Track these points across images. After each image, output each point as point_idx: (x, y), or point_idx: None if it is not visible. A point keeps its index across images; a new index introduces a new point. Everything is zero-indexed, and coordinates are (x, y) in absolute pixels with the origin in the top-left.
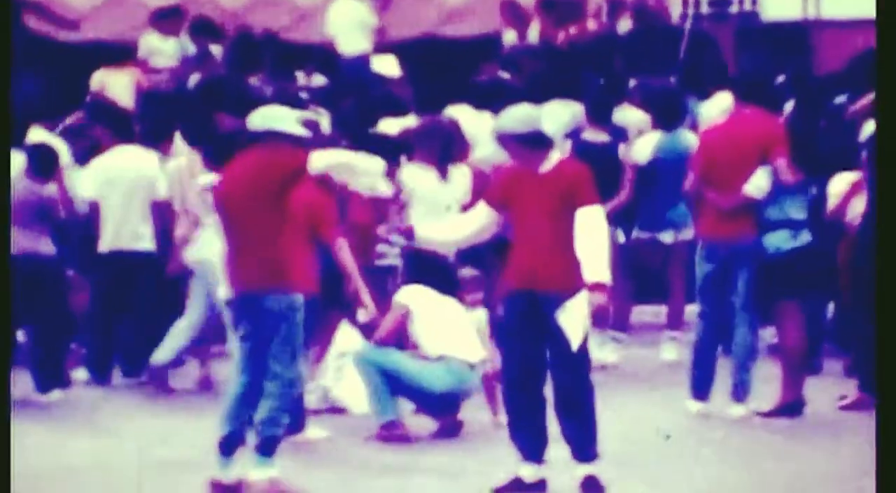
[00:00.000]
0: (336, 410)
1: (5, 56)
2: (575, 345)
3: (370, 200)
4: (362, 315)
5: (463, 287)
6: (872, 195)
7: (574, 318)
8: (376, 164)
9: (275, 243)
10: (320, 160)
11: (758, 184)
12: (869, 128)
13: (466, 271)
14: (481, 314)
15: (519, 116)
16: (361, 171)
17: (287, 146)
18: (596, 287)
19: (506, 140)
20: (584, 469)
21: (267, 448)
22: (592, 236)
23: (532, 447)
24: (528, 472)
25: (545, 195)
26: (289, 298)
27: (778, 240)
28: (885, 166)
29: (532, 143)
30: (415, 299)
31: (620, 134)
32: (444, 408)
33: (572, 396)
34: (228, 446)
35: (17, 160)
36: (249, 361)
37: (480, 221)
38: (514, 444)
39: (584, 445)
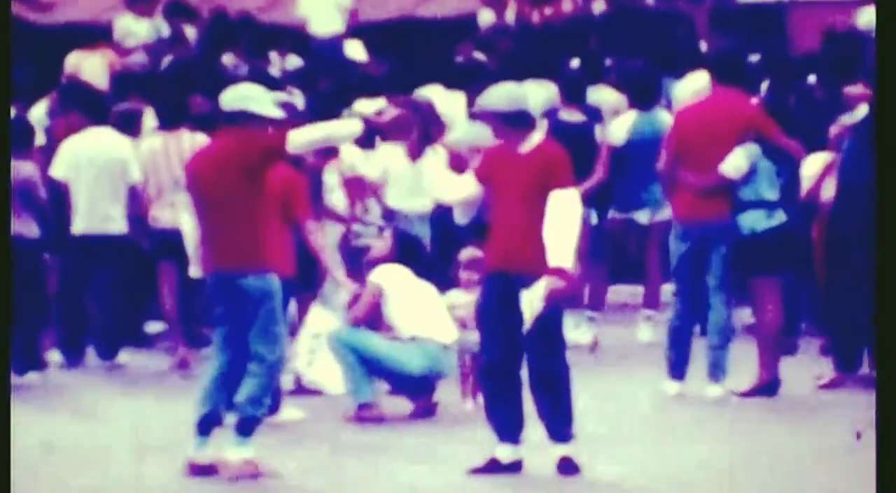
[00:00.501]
0: (310, 391)
1: (5, 55)
2: (525, 326)
3: (348, 181)
4: (343, 295)
5: (461, 268)
6: (846, 177)
7: (529, 299)
8: (355, 125)
9: (250, 224)
10: (300, 138)
11: (735, 164)
12: (860, 112)
13: (466, 252)
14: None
15: (504, 94)
16: (343, 136)
17: (260, 129)
18: (554, 272)
19: (489, 117)
20: (560, 450)
21: (246, 429)
22: (562, 220)
23: (508, 427)
24: (505, 453)
25: (522, 176)
26: (266, 279)
27: (752, 220)
28: (885, 166)
29: (515, 122)
30: (389, 279)
31: (596, 114)
32: (419, 389)
33: (547, 376)
34: (206, 426)
35: None
36: (226, 342)
37: (468, 188)
38: (490, 424)
39: (559, 425)
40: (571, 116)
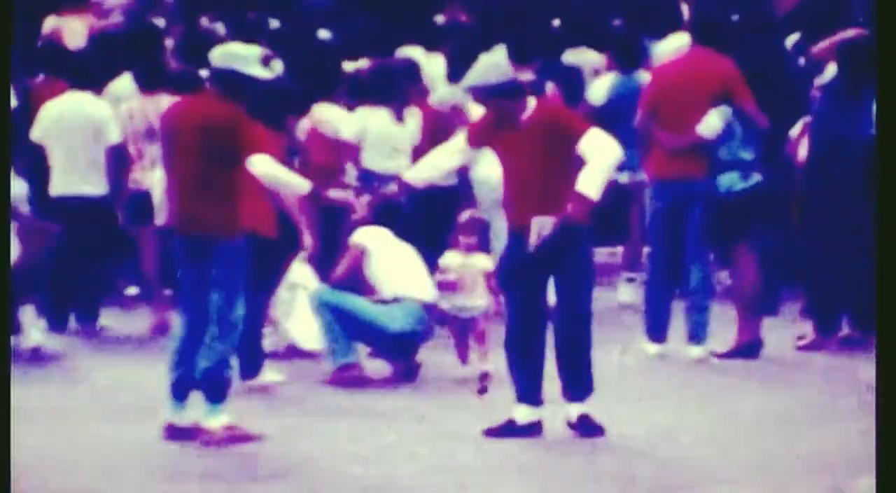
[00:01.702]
0: (293, 353)
1: (5, 54)
2: (537, 233)
3: (330, 143)
4: (301, 255)
5: (459, 231)
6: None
7: (540, 221)
8: (304, 187)
9: (223, 188)
10: (260, 166)
11: (711, 124)
12: (829, 71)
13: (465, 214)
14: (485, 258)
15: (491, 67)
16: (291, 189)
17: (248, 88)
18: (576, 197)
19: (480, 94)
20: (577, 408)
21: (215, 394)
22: (594, 156)
23: (529, 388)
24: (522, 414)
25: (530, 139)
26: (234, 243)
27: (729, 181)
28: (885, 165)
29: (508, 93)
30: (371, 239)
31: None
32: (401, 350)
33: (572, 331)
34: (180, 389)
35: None
36: (190, 302)
37: (459, 158)
38: (513, 385)
39: (581, 381)
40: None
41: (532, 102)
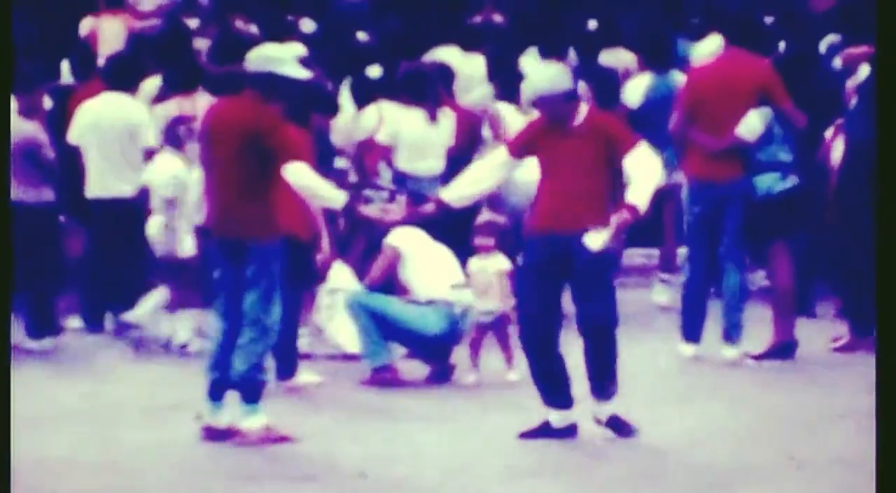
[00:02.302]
0: (327, 355)
1: (6, 53)
2: (592, 247)
3: (359, 145)
4: (318, 258)
5: (476, 233)
6: (852, 140)
7: (594, 236)
8: (340, 199)
9: (259, 191)
10: (293, 174)
11: (751, 126)
12: (863, 72)
13: (482, 216)
14: (502, 260)
15: (553, 76)
16: (324, 201)
17: (286, 89)
18: (625, 207)
19: (544, 102)
20: (604, 408)
21: (251, 395)
22: (640, 172)
23: (554, 393)
24: (557, 417)
25: (579, 148)
26: (270, 245)
27: (768, 182)
28: (885, 166)
29: (567, 100)
30: (405, 241)
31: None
32: (436, 352)
33: (598, 333)
34: (217, 391)
35: None
36: (227, 306)
37: (501, 171)
38: (538, 390)
39: (606, 383)
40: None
41: (583, 109)
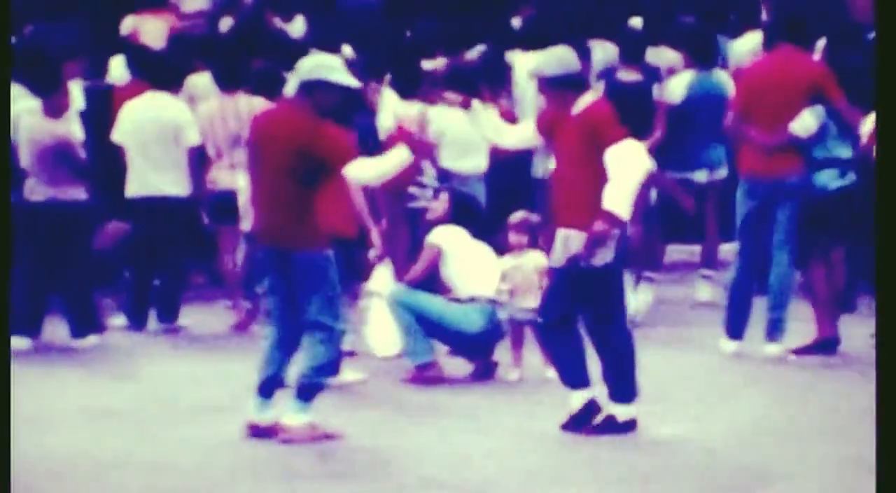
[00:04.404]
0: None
1: (5, 53)
2: (554, 262)
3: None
4: (371, 254)
5: (511, 230)
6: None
7: (565, 235)
8: (404, 155)
9: (304, 198)
10: (359, 173)
11: (805, 123)
12: None
13: (516, 215)
14: (539, 257)
15: (554, 58)
16: (395, 168)
17: (333, 95)
18: (601, 214)
19: (543, 83)
20: (622, 411)
21: (308, 394)
22: (616, 171)
23: (572, 374)
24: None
25: (572, 137)
26: (319, 254)
27: (825, 179)
28: (885, 166)
29: (567, 85)
30: (447, 240)
31: (655, 74)
32: (478, 349)
33: (607, 338)
34: (267, 388)
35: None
36: (282, 312)
37: (526, 135)
38: (556, 369)
39: (620, 387)
40: (629, 75)
41: (585, 99)
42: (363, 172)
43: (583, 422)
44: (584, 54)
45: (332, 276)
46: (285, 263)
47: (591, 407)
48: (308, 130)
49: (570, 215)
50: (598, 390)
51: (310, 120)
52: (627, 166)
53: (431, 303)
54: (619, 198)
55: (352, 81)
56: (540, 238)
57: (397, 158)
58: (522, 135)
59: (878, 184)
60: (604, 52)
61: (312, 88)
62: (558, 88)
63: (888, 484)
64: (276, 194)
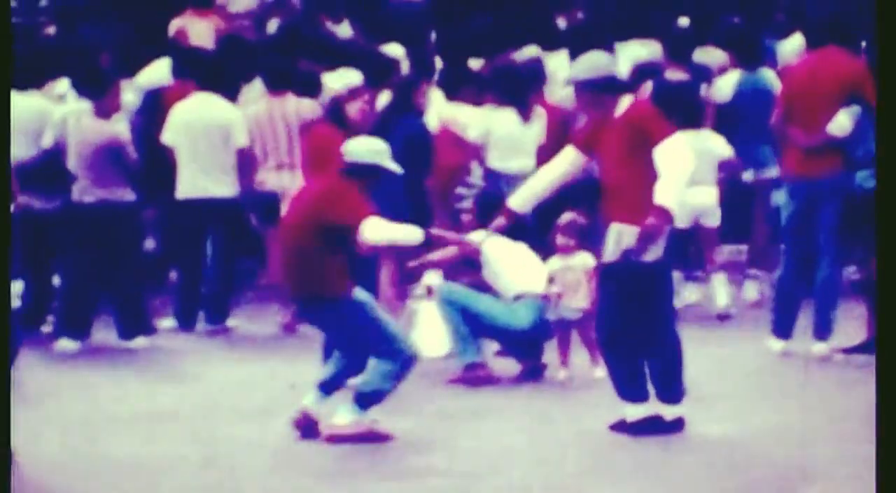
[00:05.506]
0: None
1: (5, 53)
2: (606, 256)
3: (460, 142)
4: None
5: (559, 232)
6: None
7: (618, 231)
8: (418, 235)
9: (334, 256)
10: (372, 234)
11: (841, 124)
12: None
13: (565, 216)
14: (588, 258)
15: (588, 62)
16: (407, 242)
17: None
18: (653, 210)
19: (579, 88)
20: (669, 411)
21: (365, 403)
22: (667, 168)
23: (630, 388)
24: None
25: (618, 139)
26: (344, 299)
27: (863, 178)
28: (885, 166)
29: (604, 88)
30: (487, 240)
31: (701, 73)
32: (528, 346)
33: (654, 338)
34: (329, 387)
35: (84, 105)
36: (338, 351)
37: (566, 165)
38: (614, 386)
39: (667, 388)
40: (676, 75)
41: (626, 101)
42: (376, 232)
43: (635, 434)
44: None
45: (370, 311)
46: (321, 314)
47: (654, 423)
48: (331, 194)
49: (622, 211)
50: (655, 404)
51: (335, 186)
52: (678, 163)
53: (480, 300)
54: (670, 193)
55: (394, 168)
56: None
57: (410, 235)
58: (562, 166)
59: (878, 184)
60: (645, 51)
61: (362, 170)
62: (595, 92)
63: None
64: (303, 255)
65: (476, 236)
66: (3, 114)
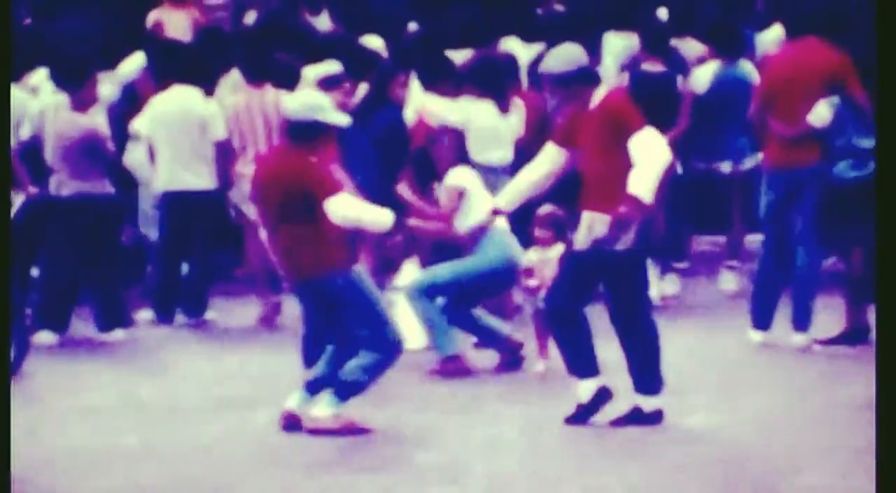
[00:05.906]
0: None
1: (5, 53)
2: (577, 244)
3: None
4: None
5: (536, 225)
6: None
7: (590, 218)
8: (387, 218)
9: (315, 232)
10: (339, 210)
11: (820, 114)
12: None
13: (543, 208)
14: (563, 249)
15: (560, 55)
16: (374, 226)
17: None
18: (629, 199)
19: (552, 81)
20: (647, 402)
21: (345, 393)
22: (641, 159)
23: (580, 365)
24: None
25: (593, 130)
26: (343, 274)
27: (842, 168)
28: (885, 166)
29: (578, 81)
30: (466, 178)
31: (681, 65)
32: (506, 281)
33: (632, 329)
34: (315, 387)
35: (61, 98)
36: (328, 333)
37: (548, 163)
38: (564, 362)
39: (645, 379)
40: (653, 66)
41: (600, 92)
42: (342, 209)
43: (593, 412)
44: (594, 49)
45: (366, 290)
46: (317, 292)
47: (603, 395)
48: (291, 166)
49: (595, 200)
50: (607, 378)
51: (294, 158)
52: (651, 154)
53: (443, 270)
54: (643, 183)
55: (342, 120)
56: (566, 232)
57: (378, 218)
58: (544, 164)
59: (879, 183)
60: (626, 43)
61: (301, 127)
62: (569, 84)
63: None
64: (287, 234)
65: (456, 174)
66: (3, 112)
